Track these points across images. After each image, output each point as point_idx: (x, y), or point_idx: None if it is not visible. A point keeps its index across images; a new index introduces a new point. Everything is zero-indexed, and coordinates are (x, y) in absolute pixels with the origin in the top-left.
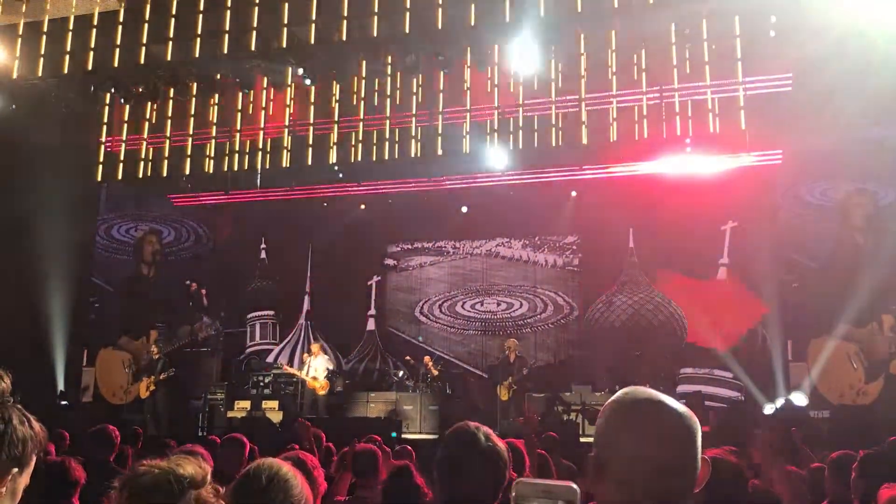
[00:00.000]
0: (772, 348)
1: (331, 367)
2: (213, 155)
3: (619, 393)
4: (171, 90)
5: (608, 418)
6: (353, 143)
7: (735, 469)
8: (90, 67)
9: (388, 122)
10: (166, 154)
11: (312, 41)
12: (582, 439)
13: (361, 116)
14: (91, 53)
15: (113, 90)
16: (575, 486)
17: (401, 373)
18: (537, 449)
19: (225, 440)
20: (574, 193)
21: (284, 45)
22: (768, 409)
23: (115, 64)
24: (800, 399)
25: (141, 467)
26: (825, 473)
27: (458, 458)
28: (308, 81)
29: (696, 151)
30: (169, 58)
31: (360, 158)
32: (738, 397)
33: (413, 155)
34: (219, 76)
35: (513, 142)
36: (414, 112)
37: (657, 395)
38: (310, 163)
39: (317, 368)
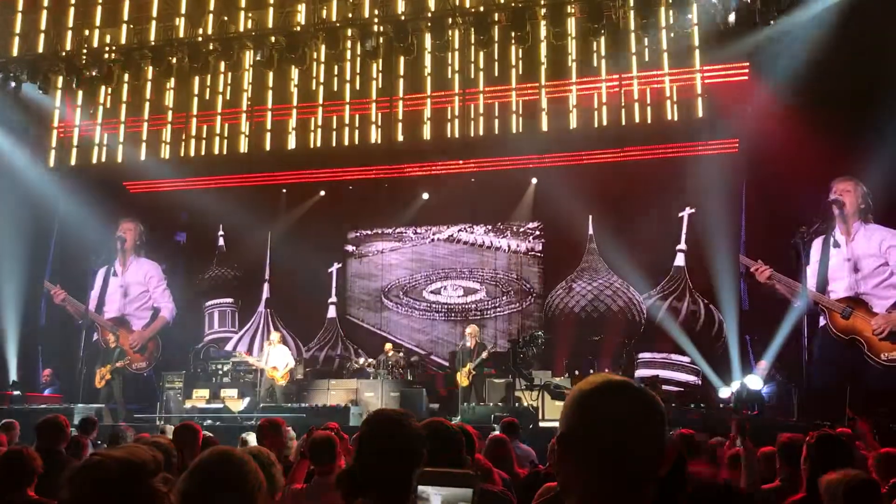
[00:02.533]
0: (727, 333)
1: (291, 364)
2: (168, 140)
3: (586, 378)
4: (126, 74)
5: (574, 402)
6: (311, 128)
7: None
8: (40, 50)
9: (347, 107)
10: (121, 139)
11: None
12: (542, 424)
13: (321, 101)
14: (42, 35)
15: (65, 74)
16: (474, 473)
17: (361, 360)
18: (499, 433)
19: (179, 428)
20: (535, 181)
21: (241, 28)
22: (724, 392)
23: (67, 46)
24: (755, 383)
25: (96, 456)
26: (776, 455)
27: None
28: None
29: (653, 139)
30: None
31: (318, 144)
32: (696, 381)
33: (373, 141)
34: (174, 59)
35: (474, 128)
36: (374, 98)
37: (623, 379)
38: (268, 148)
39: (276, 358)
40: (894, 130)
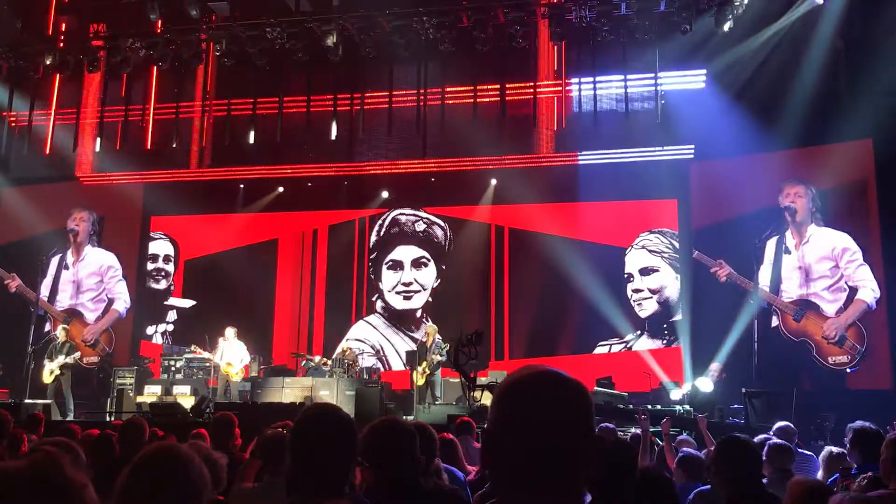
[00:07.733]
0: (679, 334)
1: (247, 360)
2: (124, 132)
3: (514, 371)
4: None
5: (497, 396)
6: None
7: (613, 447)
8: None
9: (307, 103)
10: (74, 130)
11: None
12: None
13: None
14: None
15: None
16: None
17: (317, 358)
18: (445, 433)
19: (125, 424)
20: (494, 181)
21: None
22: (675, 393)
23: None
24: (705, 385)
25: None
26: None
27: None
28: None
29: (611, 143)
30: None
31: (278, 139)
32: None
33: (333, 138)
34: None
35: (434, 128)
36: (335, 94)
37: (550, 370)
38: (227, 143)
39: (231, 354)
40: (845, 137)
